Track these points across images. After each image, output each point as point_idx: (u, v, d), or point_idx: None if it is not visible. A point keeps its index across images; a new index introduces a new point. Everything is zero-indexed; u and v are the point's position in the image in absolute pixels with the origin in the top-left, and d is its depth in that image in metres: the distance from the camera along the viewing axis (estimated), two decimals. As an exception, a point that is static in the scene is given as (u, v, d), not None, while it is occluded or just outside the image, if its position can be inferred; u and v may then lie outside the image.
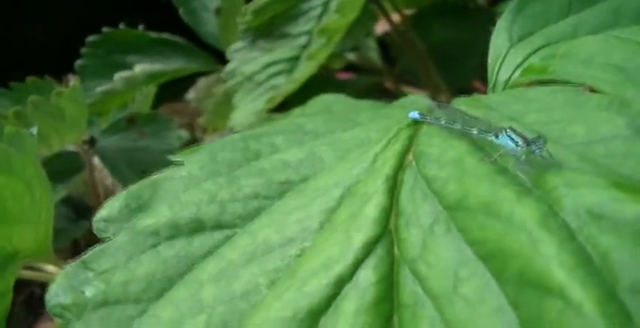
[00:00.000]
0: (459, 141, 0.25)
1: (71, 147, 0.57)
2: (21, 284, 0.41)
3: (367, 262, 0.23)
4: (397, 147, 0.26)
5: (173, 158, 0.27)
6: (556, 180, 0.21)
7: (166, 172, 0.27)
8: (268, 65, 0.53)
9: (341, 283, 0.23)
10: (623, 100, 0.24)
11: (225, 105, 0.55)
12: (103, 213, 0.26)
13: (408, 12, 0.65)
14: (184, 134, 0.58)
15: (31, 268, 0.39)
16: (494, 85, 0.32)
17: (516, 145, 0.23)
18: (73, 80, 0.50)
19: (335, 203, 0.25)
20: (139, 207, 0.26)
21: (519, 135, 0.23)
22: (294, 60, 0.52)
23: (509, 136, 0.23)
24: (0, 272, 0.33)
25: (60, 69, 0.59)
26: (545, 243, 0.20)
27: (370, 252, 0.23)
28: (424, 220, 0.23)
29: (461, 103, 0.28)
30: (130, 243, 0.25)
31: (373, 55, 0.69)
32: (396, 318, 0.23)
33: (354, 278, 0.23)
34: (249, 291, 0.24)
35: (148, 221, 0.26)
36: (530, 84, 0.30)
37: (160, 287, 0.25)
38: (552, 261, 0.19)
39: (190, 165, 0.27)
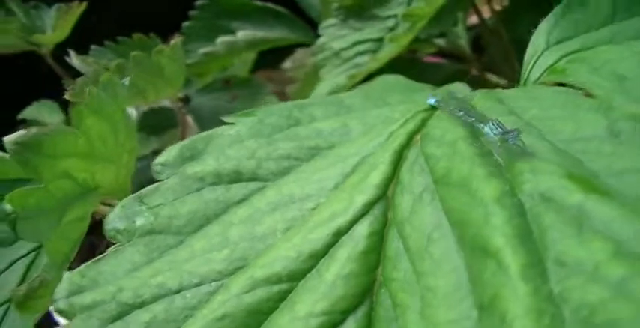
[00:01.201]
0: (460, 127, 0.29)
1: (167, 104, 0.64)
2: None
3: (364, 219, 0.28)
4: (410, 126, 0.30)
5: (227, 118, 0.32)
6: (524, 167, 0.25)
7: (219, 129, 0.32)
8: (356, 43, 0.57)
9: (339, 234, 0.28)
10: (611, 105, 0.27)
11: (313, 76, 0.59)
12: (161, 158, 0.31)
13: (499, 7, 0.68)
14: (274, 100, 0.63)
15: (109, 205, 0.44)
16: (524, 83, 0.35)
17: (494, 134, 0.27)
18: (176, 39, 0.55)
19: (350, 169, 0.30)
20: (190, 156, 0.31)
21: (499, 126, 0.27)
22: (380, 41, 0.56)
23: (491, 126, 0.27)
24: (82, 201, 0.39)
25: (170, 30, 0.65)
26: (496, 216, 0.24)
27: (368, 212, 0.28)
28: (416, 189, 0.28)
29: (478, 94, 0.32)
30: (178, 185, 0.31)
31: (462, 42, 0.71)
32: (381, 267, 0.27)
33: (350, 231, 0.28)
34: (268, 234, 0.29)
35: (196, 168, 0.31)
36: (552, 85, 0.33)
37: (198, 224, 0.30)
38: (496, 231, 0.23)
39: (240, 125, 0.32)
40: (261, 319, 0.27)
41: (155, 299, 0.28)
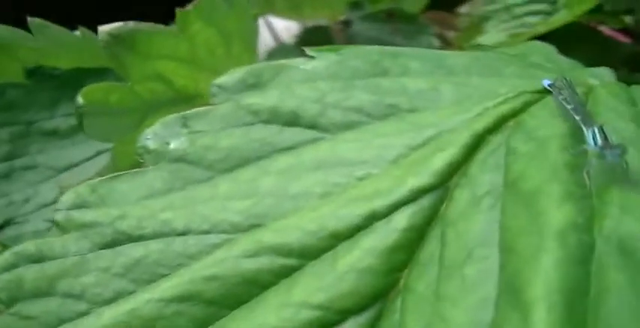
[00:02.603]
0: (561, 122, 0.22)
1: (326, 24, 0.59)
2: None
3: (407, 208, 0.22)
4: (507, 107, 0.24)
5: (309, 50, 0.27)
6: (616, 196, 0.18)
7: (294, 61, 0.27)
8: (531, 1, 0.50)
9: (373, 218, 0.22)
10: None
11: (477, 27, 0.52)
12: (221, 79, 0.27)
13: None
14: (435, 43, 0.57)
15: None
16: None
17: (594, 144, 0.20)
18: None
19: (421, 142, 0.24)
20: (253, 85, 0.27)
21: (602, 134, 0.20)
22: (555, 4, 0.48)
23: (594, 133, 0.20)
24: (173, 106, 0.36)
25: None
26: (548, 254, 0.17)
27: (415, 200, 0.22)
28: (480, 188, 0.22)
29: (606, 87, 0.25)
30: (229, 114, 0.26)
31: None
32: (407, 271, 0.22)
33: (386, 218, 0.22)
34: (301, 195, 0.24)
35: (254, 99, 0.26)
36: None
37: (234, 164, 0.26)
38: (539, 275, 0.17)
39: (319, 61, 0.27)
40: (253, 292, 0.23)
41: (155, 236, 0.24)
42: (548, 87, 0.24)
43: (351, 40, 0.59)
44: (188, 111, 0.27)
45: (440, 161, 0.23)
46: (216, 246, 0.24)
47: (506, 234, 0.19)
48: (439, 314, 0.19)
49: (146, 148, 0.26)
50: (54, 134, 0.43)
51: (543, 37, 0.46)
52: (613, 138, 0.20)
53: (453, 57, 0.27)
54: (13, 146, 0.41)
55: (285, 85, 0.27)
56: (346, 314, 0.21)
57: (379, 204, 0.22)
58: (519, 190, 0.20)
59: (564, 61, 0.32)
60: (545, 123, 0.22)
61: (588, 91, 0.25)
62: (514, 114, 0.24)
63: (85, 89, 0.34)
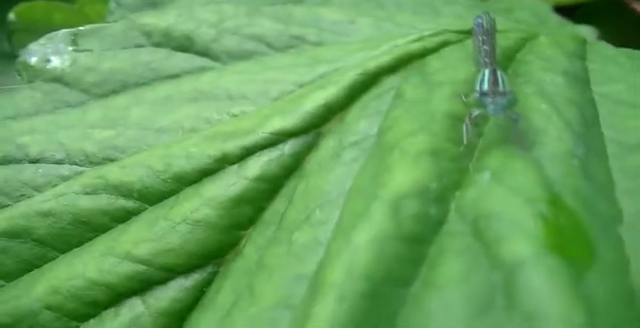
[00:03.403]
0: (470, 67, 0.18)
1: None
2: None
3: (263, 154, 0.18)
4: (417, 46, 0.20)
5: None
6: (495, 159, 0.14)
7: (204, -21, 0.23)
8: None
9: (224, 160, 0.19)
10: None
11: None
12: (121, -5, 0.23)
13: None
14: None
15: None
16: None
17: (479, 89, 0.16)
18: None
19: (311, 78, 0.20)
20: (153, 3, 0.23)
21: (492, 80, 0.16)
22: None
23: (483, 76, 0.16)
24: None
25: None
26: (366, 227, 0.13)
27: (274, 145, 0.18)
28: (349, 137, 0.17)
29: (554, 37, 0.20)
30: (121, 34, 0.23)
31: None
32: (252, 229, 0.18)
33: (239, 164, 0.18)
34: (167, 129, 0.21)
35: (149, 20, 0.23)
36: None
37: (110, 88, 0.22)
38: (345, 254, 0.13)
39: (230, -19, 0.23)
40: (86, 235, 0.19)
41: (6, 161, 0.21)
42: (476, 26, 0.19)
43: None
44: (81, 28, 0.24)
45: (313, 102, 0.18)
46: (64, 179, 0.21)
47: (349, 196, 0.15)
48: (250, 288, 0.15)
49: (25, 64, 0.23)
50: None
51: (572, 11, 0.41)
52: (505, 86, 0.16)
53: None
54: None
55: (187, 6, 0.23)
56: (171, 272, 0.18)
57: (233, 145, 0.18)
58: (382, 142, 0.16)
59: (553, 19, 0.27)
60: (451, 66, 0.18)
61: (529, 38, 0.20)
62: (422, 54, 0.19)
63: (20, 7, 0.31)
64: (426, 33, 0.20)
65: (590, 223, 0.12)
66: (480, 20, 0.19)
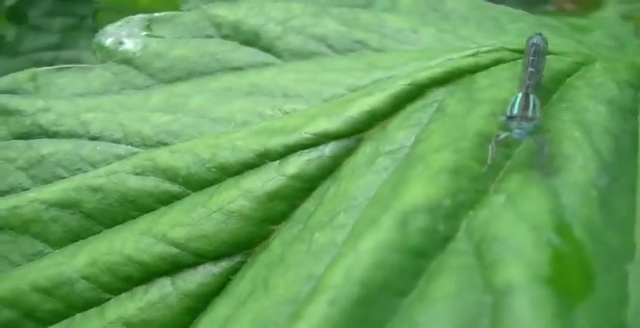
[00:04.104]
0: (513, 87, 0.17)
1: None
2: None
3: (304, 153, 0.19)
4: (469, 61, 0.19)
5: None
6: (514, 183, 0.14)
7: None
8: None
9: (265, 156, 0.19)
10: None
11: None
12: (198, -16, 0.24)
13: None
14: None
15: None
16: None
17: (509, 113, 0.16)
18: None
19: (364, 83, 0.20)
20: (227, -6, 0.24)
21: (523, 104, 0.16)
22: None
23: (514, 100, 0.16)
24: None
25: None
26: (372, 235, 0.14)
27: (315, 146, 0.19)
28: (386, 145, 0.18)
29: (608, 63, 0.19)
30: (192, 24, 0.24)
31: None
32: (283, 225, 0.18)
33: (279, 160, 0.19)
34: (222, 120, 0.22)
35: (220, 11, 0.24)
36: None
37: (175, 75, 0.23)
38: (348, 258, 0.13)
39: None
40: (130, 213, 0.20)
41: (68, 135, 0.22)
42: (532, 45, 0.19)
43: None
44: (156, 14, 0.25)
45: (359, 107, 0.19)
46: (119, 158, 0.22)
47: (369, 203, 0.15)
48: (266, 281, 0.16)
49: (100, 45, 0.24)
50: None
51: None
52: (535, 111, 0.16)
53: (454, 2, 0.22)
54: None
55: (258, 1, 0.24)
56: (201, 258, 0.18)
57: (276, 142, 0.19)
58: (412, 154, 0.16)
59: (631, 42, 0.26)
60: (496, 85, 0.18)
61: (585, 63, 0.20)
62: (474, 70, 0.19)
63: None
64: (483, 49, 0.20)
65: (595, 255, 0.12)
66: (533, 41, 0.19)
